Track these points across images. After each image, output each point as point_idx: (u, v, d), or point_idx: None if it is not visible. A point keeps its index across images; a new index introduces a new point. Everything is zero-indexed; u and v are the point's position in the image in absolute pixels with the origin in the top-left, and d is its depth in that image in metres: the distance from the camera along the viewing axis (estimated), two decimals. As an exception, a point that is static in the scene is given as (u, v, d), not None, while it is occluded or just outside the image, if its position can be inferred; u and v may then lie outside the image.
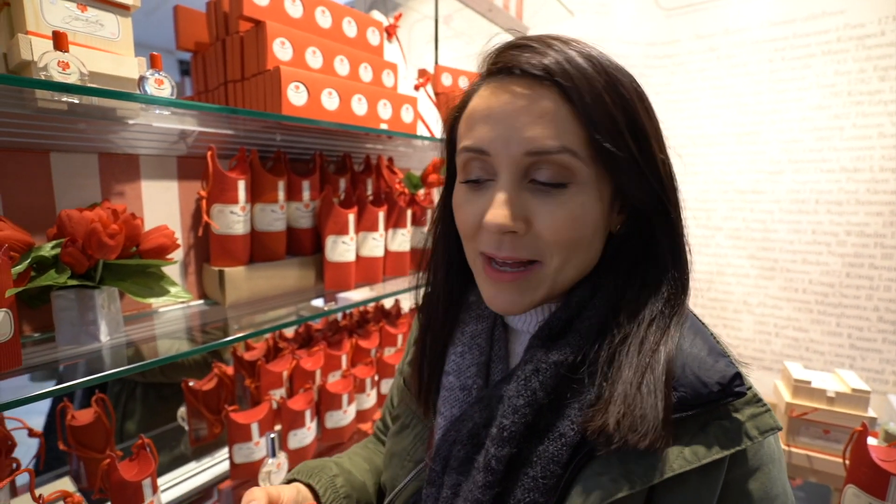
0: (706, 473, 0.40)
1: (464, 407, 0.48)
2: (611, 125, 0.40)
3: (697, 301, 2.06)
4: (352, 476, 0.58)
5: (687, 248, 0.46)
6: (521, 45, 0.42)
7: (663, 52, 2.09)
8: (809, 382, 1.03)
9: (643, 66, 2.12)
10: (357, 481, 0.59)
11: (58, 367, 0.73)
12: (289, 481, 0.54)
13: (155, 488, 0.80)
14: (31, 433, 0.88)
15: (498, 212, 0.41)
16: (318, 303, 1.10)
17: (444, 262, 0.54)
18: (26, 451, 0.87)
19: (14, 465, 0.78)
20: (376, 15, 1.24)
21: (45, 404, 1.28)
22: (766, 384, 1.28)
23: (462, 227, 0.46)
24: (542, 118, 0.40)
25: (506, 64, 0.42)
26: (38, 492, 0.70)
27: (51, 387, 0.65)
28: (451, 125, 0.49)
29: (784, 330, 1.92)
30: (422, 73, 1.44)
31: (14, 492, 0.82)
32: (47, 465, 1.10)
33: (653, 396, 0.39)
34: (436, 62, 1.57)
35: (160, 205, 0.92)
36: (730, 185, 1.97)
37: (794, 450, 1.03)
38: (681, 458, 0.39)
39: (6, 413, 0.78)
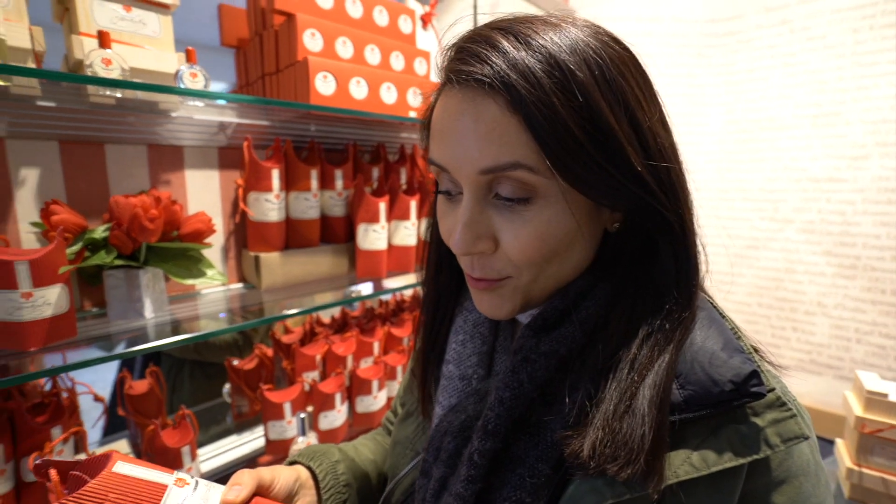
0: (717, 483, 0.36)
1: (461, 397, 0.47)
2: (563, 134, 0.34)
3: (763, 301, 1.89)
4: (354, 465, 0.58)
5: (700, 249, 0.40)
6: (464, 48, 0.37)
7: (725, 29, 1.92)
8: (886, 395, 0.90)
9: (702, 46, 1.97)
10: (359, 471, 0.58)
11: (110, 339, 0.80)
12: (290, 463, 0.54)
13: (194, 455, 0.86)
14: (96, 398, 0.98)
15: (460, 237, 0.39)
16: (352, 289, 1.13)
17: (435, 259, 0.53)
18: (96, 414, 0.97)
19: (76, 433, 0.87)
20: (412, 3, 1.25)
21: (114, 375, 1.41)
22: (840, 395, 1.14)
23: (443, 238, 0.45)
24: (490, 133, 0.35)
25: (449, 73, 0.38)
26: (92, 450, 0.78)
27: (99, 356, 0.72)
28: (428, 127, 0.46)
29: (868, 336, 1.71)
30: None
31: (80, 448, 0.92)
32: (113, 429, 1.22)
33: (639, 425, 0.35)
34: (474, 50, 1.54)
35: (203, 193, 0.98)
36: (802, 172, 1.78)
37: (865, 471, 0.91)
38: (687, 464, 0.35)
39: (77, 380, 0.87)
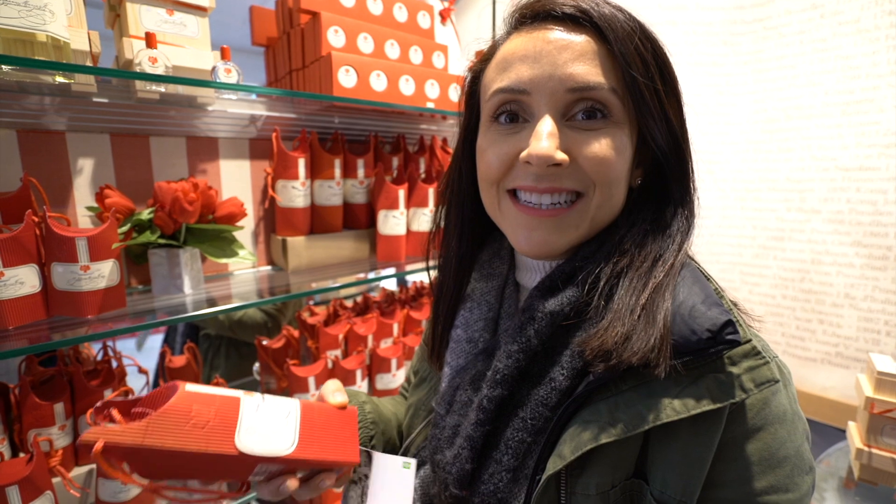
0: (697, 428, 0.39)
1: (469, 358, 0.51)
2: (642, 65, 0.42)
3: (788, 293, 1.84)
4: (379, 409, 0.63)
5: (695, 195, 0.48)
6: None
7: (753, 16, 1.88)
8: (897, 376, 0.89)
9: (728, 34, 1.93)
10: (383, 415, 0.63)
11: (154, 312, 0.88)
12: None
13: (226, 420, 0.94)
14: (140, 370, 1.08)
15: (544, 143, 0.41)
16: (373, 274, 1.19)
17: (457, 223, 0.56)
18: (140, 385, 1.07)
19: (125, 392, 0.97)
20: (431, 0, 1.29)
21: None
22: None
23: (489, 168, 0.47)
24: (584, 55, 0.42)
25: (541, 8, 0.44)
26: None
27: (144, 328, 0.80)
28: (475, 77, 0.52)
29: (899, 329, 1.66)
30: (478, 54, 1.46)
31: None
32: (156, 400, 1.33)
33: (652, 325, 0.40)
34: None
35: (235, 181, 1.06)
36: (831, 161, 1.73)
37: (875, 451, 0.91)
38: (669, 409, 0.39)
39: (124, 354, 0.97)
